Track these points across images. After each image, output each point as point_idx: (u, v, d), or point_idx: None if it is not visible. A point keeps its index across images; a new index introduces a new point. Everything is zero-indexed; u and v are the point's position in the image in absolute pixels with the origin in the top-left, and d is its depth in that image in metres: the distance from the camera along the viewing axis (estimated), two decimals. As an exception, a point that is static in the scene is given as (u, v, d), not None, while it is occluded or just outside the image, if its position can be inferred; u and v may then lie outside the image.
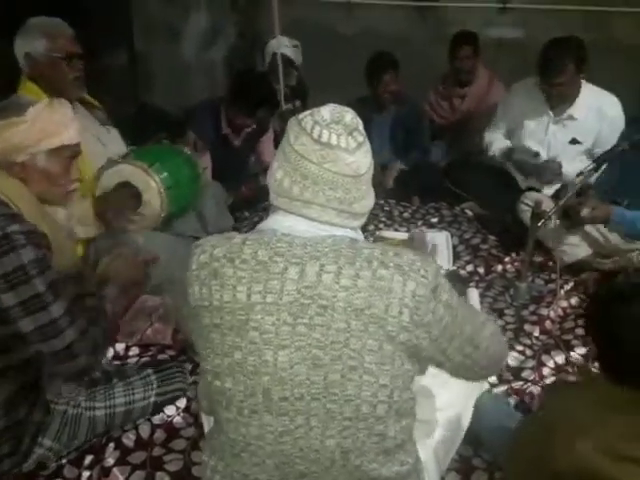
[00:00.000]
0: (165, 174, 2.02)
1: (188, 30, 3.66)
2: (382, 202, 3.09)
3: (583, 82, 2.48)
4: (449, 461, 1.36)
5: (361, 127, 1.00)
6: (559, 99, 2.49)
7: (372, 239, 2.68)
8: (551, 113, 2.55)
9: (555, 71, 2.37)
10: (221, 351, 0.96)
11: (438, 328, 0.95)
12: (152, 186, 1.97)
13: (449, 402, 1.34)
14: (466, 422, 1.37)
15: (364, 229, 2.80)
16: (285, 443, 0.96)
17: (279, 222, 1.00)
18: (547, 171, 2.52)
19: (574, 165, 2.43)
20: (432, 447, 1.27)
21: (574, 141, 2.52)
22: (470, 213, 2.95)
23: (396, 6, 3.75)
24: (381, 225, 2.88)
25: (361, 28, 3.83)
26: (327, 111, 0.99)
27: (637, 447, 1.03)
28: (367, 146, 1.00)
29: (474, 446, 1.54)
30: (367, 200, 1.02)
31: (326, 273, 0.92)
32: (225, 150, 2.73)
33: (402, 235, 2.71)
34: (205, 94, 3.23)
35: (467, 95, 3.30)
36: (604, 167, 2.18)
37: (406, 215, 3.00)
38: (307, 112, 1.00)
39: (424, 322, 0.93)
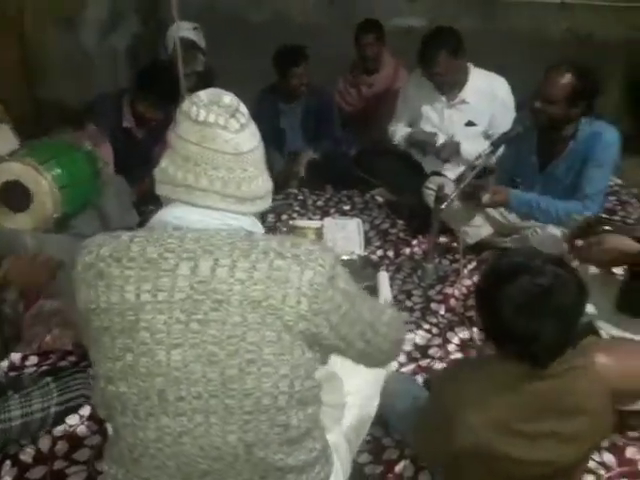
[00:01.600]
0: (59, 171, 1.92)
1: (86, 17, 3.46)
2: (296, 191, 3.11)
3: (472, 67, 2.61)
4: (360, 442, 1.39)
5: (243, 109, 1.00)
6: (445, 86, 2.62)
7: (285, 229, 2.68)
8: (443, 99, 2.68)
9: (429, 62, 2.53)
10: (112, 354, 0.92)
11: (337, 315, 0.96)
12: (43, 185, 1.86)
13: (358, 386, 1.36)
14: (375, 403, 1.41)
15: (279, 219, 2.83)
16: (185, 443, 0.94)
17: (169, 213, 0.97)
18: (445, 149, 2.64)
19: (473, 145, 2.55)
20: (342, 431, 1.29)
21: (470, 123, 2.67)
22: (380, 199, 3.02)
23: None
24: (295, 214, 2.90)
25: (270, 14, 3.78)
26: (205, 93, 0.98)
27: (525, 422, 1.10)
28: (252, 128, 1.00)
29: (384, 426, 1.59)
30: (256, 183, 1.00)
31: (220, 267, 0.90)
32: (128, 143, 2.62)
33: (315, 223, 2.72)
34: (106, 85, 3.07)
35: (374, 83, 3.35)
36: (502, 150, 2.30)
37: (319, 203, 3.03)
38: (187, 97, 0.99)
39: (323, 310, 0.94)
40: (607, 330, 1.62)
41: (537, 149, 2.23)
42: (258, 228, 1.04)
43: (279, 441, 0.97)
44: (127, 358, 0.91)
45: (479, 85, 2.63)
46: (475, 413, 1.10)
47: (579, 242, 1.76)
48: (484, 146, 2.33)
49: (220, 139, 0.94)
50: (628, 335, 1.55)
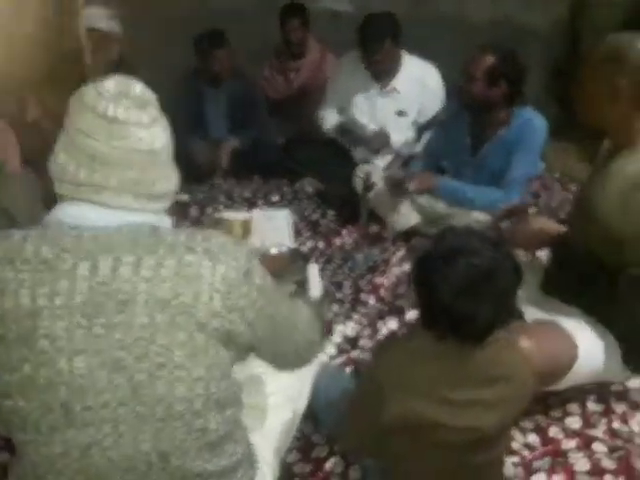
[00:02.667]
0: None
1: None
2: (220, 182, 3.06)
3: (404, 54, 2.65)
4: (289, 441, 1.39)
5: (154, 100, 0.96)
6: (382, 73, 2.65)
7: (210, 222, 2.64)
8: (376, 87, 2.71)
9: (374, 49, 2.54)
10: (8, 366, 0.88)
11: (253, 312, 0.96)
12: None
13: (282, 385, 1.35)
14: (303, 401, 1.41)
15: (202, 211, 2.78)
16: (93, 456, 0.91)
17: (66, 212, 0.93)
18: (375, 140, 2.67)
19: (403, 136, 2.60)
20: (267, 432, 1.28)
21: (401, 113, 2.70)
22: (309, 189, 3.04)
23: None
24: (220, 206, 2.86)
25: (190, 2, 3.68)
26: (112, 83, 0.93)
27: (452, 390, 1.14)
28: (163, 122, 0.97)
29: (314, 422, 1.61)
30: (168, 180, 0.98)
31: (123, 265, 0.87)
32: (37, 134, 2.49)
33: (243, 216, 2.70)
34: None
35: (300, 68, 3.35)
36: (428, 136, 2.36)
37: (247, 195, 3.01)
38: (89, 86, 0.93)
39: (238, 306, 0.93)
40: (531, 314, 1.70)
41: (469, 132, 2.31)
42: (165, 223, 1.00)
43: (197, 447, 0.95)
44: (25, 369, 0.87)
45: (411, 73, 2.68)
46: (404, 384, 1.14)
47: (504, 226, 1.83)
48: (412, 135, 2.39)
49: (132, 137, 0.90)
50: (552, 317, 1.62)
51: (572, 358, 1.50)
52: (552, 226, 1.68)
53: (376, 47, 2.53)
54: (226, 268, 0.92)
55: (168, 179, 0.98)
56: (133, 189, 0.92)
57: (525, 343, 1.41)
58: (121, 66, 3.08)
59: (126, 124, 0.90)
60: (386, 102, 2.72)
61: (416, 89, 2.67)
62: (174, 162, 1.00)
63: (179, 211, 2.78)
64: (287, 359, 1.15)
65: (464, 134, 2.32)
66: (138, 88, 0.94)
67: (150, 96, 0.96)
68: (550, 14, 3.92)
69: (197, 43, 2.96)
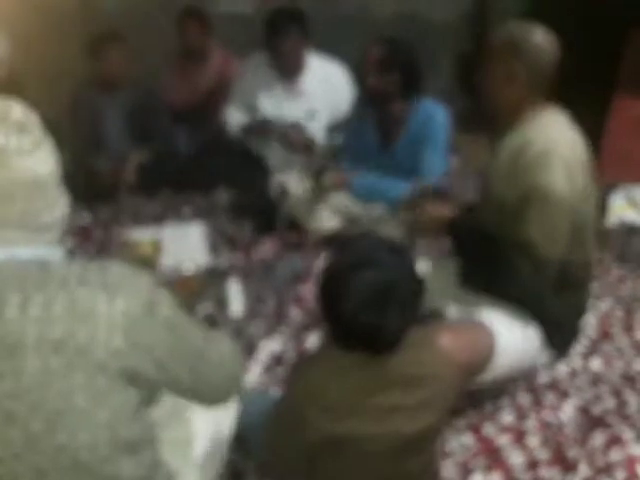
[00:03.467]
0: None
1: None
2: (126, 199, 2.93)
3: (311, 54, 2.65)
4: (217, 472, 1.34)
5: (36, 122, 0.89)
6: (289, 69, 2.61)
7: (116, 246, 2.52)
8: (283, 87, 2.68)
9: (281, 38, 2.49)
10: None
11: (160, 348, 0.91)
12: None
13: (207, 413, 1.29)
14: (228, 428, 1.37)
15: (107, 232, 2.65)
16: None
17: None
18: (291, 132, 2.61)
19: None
20: (193, 465, 1.24)
21: (310, 115, 2.67)
22: (223, 200, 2.96)
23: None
24: (127, 226, 2.71)
25: (79, 2, 3.51)
26: None
27: (370, 399, 1.13)
28: (48, 146, 0.90)
29: (244, 450, 1.55)
30: (57, 208, 0.92)
31: (9, 306, 0.80)
32: None
33: (152, 234, 2.59)
34: None
35: (204, 73, 3.28)
36: (337, 137, 2.37)
37: (156, 211, 2.89)
38: None
39: (142, 343, 0.88)
40: (452, 312, 1.73)
41: (376, 129, 2.34)
42: (56, 254, 0.94)
43: None
44: None
45: (317, 73, 2.67)
46: (320, 402, 1.12)
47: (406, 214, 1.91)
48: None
49: (14, 166, 0.84)
50: (471, 310, 1.67)
51: (490, 348, 1.55)
52: (441, 212, 1.78)
53: (283, 36, 2.49)
54: (126, 302, 0.86)
55: (57, 207, 0.92)
56: (19, 222, 0.86)
57: (443, 340, 1.44)
58: (9, 85, 2.90)
59: (5, 152, 0.83)
60: (293, 104, 2.69)
61: (324, 89, 2.66)
62: (62, 186, 0.94)
63: (81, 234, 2.64)
64: (205, 395, 1.10)
65: (372, 131, 2.35)
66: (17, 111, 0.88)
67: (31, 118, 0.89)
68: (456, 6, 4.08)
69: (90, 44, 2.80)
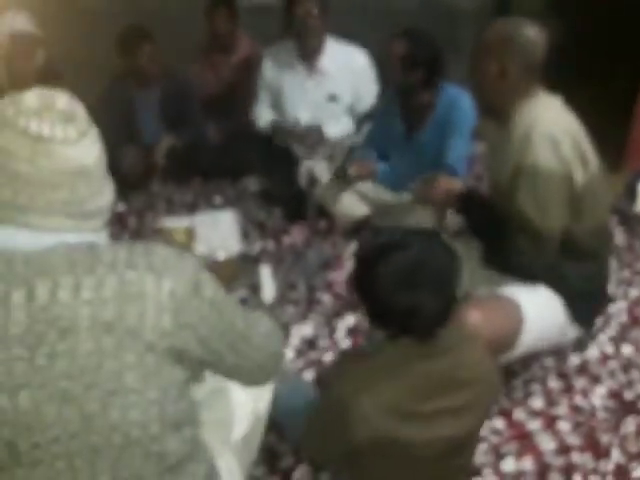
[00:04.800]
0: None
1: None
2: (158, 188, 2.95)
3: (329, 38, 2.63)
4: (255, 454, 1.36)
5: (81, 112, 0.89)
6: (308, 44, 2.60)
7: (151, 233, 2.55)
8: (304, 67, 2.67)
9: (302, 3, 2.48)
10: None
11: (205, 327, 0.91)
12: None
13: (245, 396, 1.32)
14: (265, 411, 1.38)
15: (141, 220, 2.68)
16: None
17: None
18: (308, 137, 2.62)
19: (337, 125, 2.56)
20: (232, 446, 1.26)
21: (332, 98, 2.66)
22: (253, 188, 2.96)
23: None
24: (160, 214, 2.75)
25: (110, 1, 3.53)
26: (33, 97, 0.85)
27: (420, 402, 1.13)
28: (93, 135, 0.90)
29: (278, 432, 1.57)
30: (102, 196, 0.92)
31: (62, 289, 0.82)
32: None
33: (185, 222, 2.61)
34: None
35: (232, 63, 3.27)
36: (367, 127, 2.34)
37: (188, 199, 2.91)
38: (7, 100, 0.85)
39: (188, 323, 0.89)
40: (479, 292, 1.73)
41: (402, 117, 2.31)
42: (102, 238, 0.95)
43: (157, 472, 0.91)
44: None
45: (337, 56, 2.65)
46: (369, 402, 1.12)
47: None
48: (349, 124, 2.34)
49: (59, 156, 0.84)
50: (496, 289, 1.67)
51: (519, 322, 1.57)
52: (454, 184, 1.81)
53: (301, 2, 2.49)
54: (173, 283, 0.87)
55: (102, 195, 0.92)
56: (63, 209, 0.86)
57: (472, 317, 1.47)
58: (48, 73, 2.93)
59: (52, 142, 0.83)
60: (316, 85, 2.68)
61: (345, 71, 2.65)
62: (108, 173, 0.94)
63: (116, 223, 2.67)
64: (247, 375, 1.11)
65: (398, 121, 2.33)
66: (63, 100, 0.87)
67: (77, 108, 0.89)
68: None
69: (122, 40, 2.82)
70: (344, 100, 2.68)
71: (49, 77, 2.87)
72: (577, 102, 1.64)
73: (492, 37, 1.60)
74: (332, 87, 2.66)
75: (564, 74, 3.06)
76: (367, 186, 2.40)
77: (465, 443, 1.21)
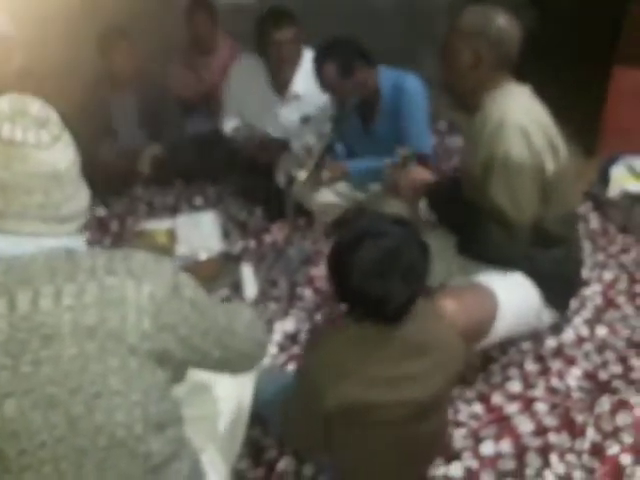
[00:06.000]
0: None
1: None
2: (140, 191, 2.95)
3: (305, 51, 2.52)
4: (239, 448, 1.37)
5: (54, 118, 0.90)
6: (282, 69, 2.49)
7: (132, 236, 2.54)
8: (276, 96, 2.57)
9: (278, 25, 2.37)
10: None
11: (186, 327, 0.93)
12: None
13: (228, 389, 1.34)
14: (248, 404, 1.39)
15: (123, 224, 2.67)
16: None
17: None
18: (272, 147, 2.58)
19: (307, 140, 2.45)
20: (216, 441, 1.27)
21: (304, 120, 2.57)
22: (234, 188, 2.95)
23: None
24: (142, 217, 2.75)
25: (86, 1, 3.50)
26: (6, 102, 0.86)
27: (385, 369, 1.16)
28: (66, 139, 0.91)
29: (261, 425, 1.58)
30: (77, 200, 0.93)
31: (43, 297, 0.83)
32: None
33: (166, 224, 2.61)
34: None
35: (211, 64, 3.26)
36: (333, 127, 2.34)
37: (169, 201, 2.90)
38: None
39: (169, 325, 0.90)
40: (455, 280, 1.74)
41: (355, 115, 2.29)
42: (80, 244, 0.96)
43: (142, 472, 0.92)
44: None
45: (309, 74, 2.44)
46: (336, 370, 1.15)
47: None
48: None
49: (32, 160, 0.85)
50: (472, 276, 1.69)
51: (493, 308, 1.58)
52: (427, 175, 1.82)
53: (280, 23, 2.37)
54: (152, 286, 0.89)
55: (77, 199, 0.93)
56: (38, 214, 0.87)
57: (447, 304, 1.49)
58: (26, 76, 2.90)
59: (25, 146, 0.84)
60: (288, 110, 2.59)
61: (314, 87, 2.40)
62: (83, 178, 0.95)
63: (98, 227, 2.66)
64: (235, 364, 1.13)
65: (353, 116, 2.30)
66: (35, 106, 0.88)
67: (49, 113, 0.90)
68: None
69: (97, 41, 2.78)
70: (316, 118, 2.55)
71: (28, 80, 2.86)
72: (552, 89, 1.65)
73: (466, 26, 1.59)
74: (305, 109, 2.55)
75: (539, 61, 3.10)
76: (341, 184, 2.40)
77: (432, 407, 1.23)
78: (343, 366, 1.15)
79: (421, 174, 1.82)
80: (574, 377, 1.80)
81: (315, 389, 1.15)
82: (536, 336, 1.90)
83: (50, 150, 0.87)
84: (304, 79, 2.52)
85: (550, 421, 1.65)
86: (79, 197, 0.94)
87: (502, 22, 1.55)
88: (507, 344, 1.83)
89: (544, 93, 1.64)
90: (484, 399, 1.72)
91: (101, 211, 2.78)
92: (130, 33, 2.87)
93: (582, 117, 2.79)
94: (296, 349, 1.91)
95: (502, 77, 1.59)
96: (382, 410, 1.16)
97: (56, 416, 0.84)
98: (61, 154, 0.89)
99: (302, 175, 2.14)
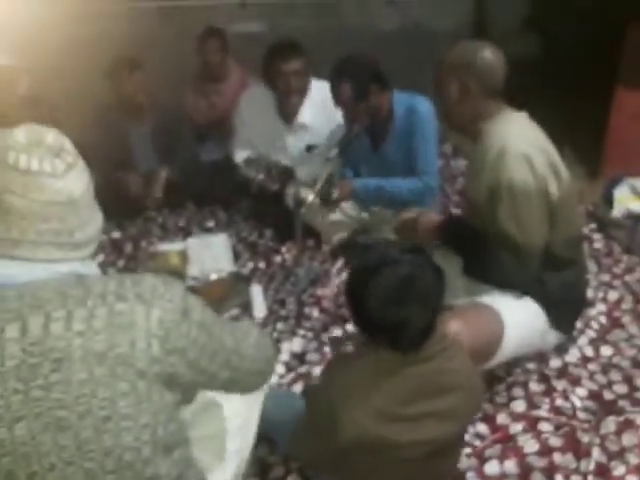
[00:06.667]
0: None
1: None
2: (154, 214, 2.99)
3: (312, 82, 2.55)
4: (245, 467, 1.36)
5: (68, 146, 0.93)
6: (290, 97, 2.50)
7: (145, 257, 2.58)
8: (284, 125, 2.61)
9: (284, 57, 2.39)
10: None
11: (194, 350, 0.94)
12: None
13: (236, 407, 1.33)
14: (255, 423, 1.39)
15: (136, 246, 2.71)
16: None
17: None
18: (280, 176, 2.60)
19: (310, 169, 2.49)
20: (224, 460, 1.26)
21: (309, 148, 2.58)
22: (244, 211, 2.98)
23: (134, 7, 3.61)
24: (155, 239, 2.78)
25: (99, 31, 3.60)
26: (22, 133, 0.89)
27: (406, 406, 1.16)
28: (80, 166, 0.93)
29: (268, 443, 1.58)
30: (91, 226, 0.95)
31: (54, 322, 0.84)
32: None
33: (178, 246, 2.65)
34: None
35: (223, 91, 3.32)
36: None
37: (181, 224, 2.94)
38: None
39: (177, 348, 0.91)
40: (460, 301, 1.75)
41: (366, 132, 2.30)
42: (93, 270, 0.98)
43: None
44: None
45: (316, 104, 2.54)
46: (357, 406, 1.14)
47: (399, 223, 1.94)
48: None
49: (48, 189, 0.87)
50: (478, 298, 1.69)
51: (499, 330, 1.57)
52: (435, 219, 1.83)
53: (288, 55, 2.40)
54: (161, 311, 0.89)
55: (90, 225, 0.95)
56: (53, 240, 0.89)
57: (452, 324, 1.48)
58: (36, 103, 2.97)
59: (41, 176, 0.86)
60: (294, 139, 2.63)
61: (323, 119, 2.52)
62: (96, 204, 0.97)
63: (112, 249, 2.70)
64: (243, 384, 1.14)
65: (363, 136, 2.31)
66: (50, 136, 0.91)
67: (63, 142, 0.92)
68: (456, 16, 4.07)
69: (111, 71, 2.83)
70: (322, 147, 2.54)
71: (37, 108, 2.92)
72: (555, 112, 1.67)
73: (453, 59, 1.64)
74: (311, 139, 2.56)
75: (541, 84, 3.12)
76: (348, 205, 2.42)
77: (449, 446, 1.23)
78: (363, 398, 1.14)
79: (430, 220, 1.81)
80: (579, 397, 1.78)
81: (332, 415, 1.15)
82: (541, 356, 1.89)
83: (65, 178, 0.89)
84: (311, 109, 2.56)
85: (555, 441, 1.63)
86: (93, 222, 0.96)
87: (487, 55, 1.59)
88: (512, 364, 1.82)
89: (547, 116, 1.66)
90: (489, 419, 1.70)
91: (115, 233, 2.82)
92: (144, 61, 2.94)
93: (585, 139, 2.80)
94: (303, 369, 1.91)
95: (496, 105, 1.62)
96: (400, 448, 1.16)
97: (66, 439, 0.85)
98: (76, 181, 0.91)
99: (310, 197, 2.16)
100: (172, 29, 3.67)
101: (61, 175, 0.89)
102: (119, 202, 2.79)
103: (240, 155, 2.76)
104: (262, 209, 2.86)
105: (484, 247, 1.61)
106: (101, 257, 2.58)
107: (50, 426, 0.84)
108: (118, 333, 0.86)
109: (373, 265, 1.16)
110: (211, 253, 2.59)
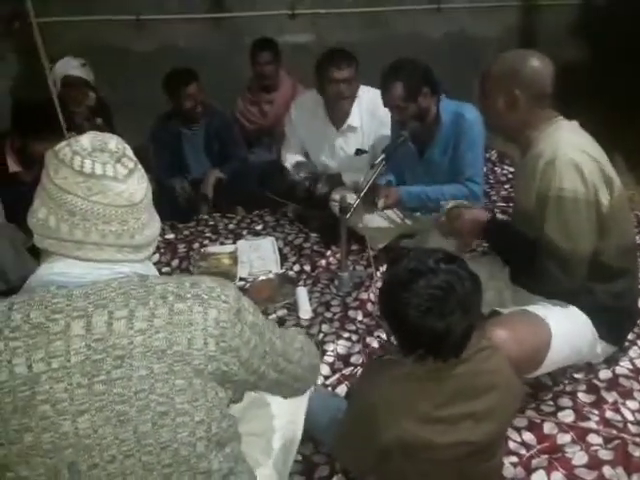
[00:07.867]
0: None
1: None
2: (206, 217, 3.04)
3: (361, 88, 2.57)
4: (291, 464, 1.35)
5: (130, 152, 0.94)
6: (340, 103, 2.52)
7: (198, 257, 2.61)
8: (334, 128, 2.64)
9: (338, 65, 2.42)
10: (5, 439, 0.83)
11: (247, 350, 0.94)
12: None
13: (283, 406, 1.32)
14: (301, 422, 1.37)
15: (190, 247, 2.75)
16: None
17: (50, 270, 0.90)
18: (328, 181, 2.64)
19: (358, 175, 2.48)
20: (272, 458, 1.25)
21: (359, 152, 2.60)
22: (291, 215, 3.00)
23: (189, 19, 3.68)
24: (206, 241, 2.82)
25: (157, 44, 3.69)
26: (87, 140, 0.91)
27: (443, 408, 1.12)
28: (140, 172, 0.94)
29: (313, 443, 1.56)
30: (150, 229, 0.96)
31: (117, 320, 0.85)
32: (16, 188, 2.45)
33: (229, 248, 2.67)
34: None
35: (274, 101, 3.35)
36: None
37: (231, 226, 2.97)
38: (64, 143, 0.91)
39: (232, 347, 0.91)
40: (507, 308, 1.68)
41: (412, 138, 2.25)
42: (152, 270, 0.99)
43: None
44: (26, 439, 0.83)
45: (365, 109, 2.57)
46: (396, 405, 1.12)
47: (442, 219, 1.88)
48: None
49: (111, 192, 0.88)
50: (524, 306, 1.62)
51: (547, 339, 1.51)
52: (481, 215, 1.76)
53: (340, 63, 2.42)
54: (217, 311, 0.90)
55: (149, 228, 0.96)
56: (115, 242, 0.90)
57: (499, 333, 1.42)
58: (98, 110, 3.08)
59: (104, 179, 0.88)
60: (344, 142, 2.65)
61: (372, 124, 2.57)
62: (154, 208, 0.98)
63: (167, 249, 2.75)
64: (288, 387, 1.13)
65: (409, 142, 2.27)
66: (112, 142, 0.92)
67: (125, 148, 0.94)
68: (501, 23, 3.99)
69: (166, 83, 2.90)
70: (371, 151, 2.60)
71: (101, 115, 3.04)
72: (606, 120, 1.60)
73: (499, 69, 1.57)
74: (360, 142, 2.60)
75: (591, 92, 3.01)
76: (391, 211, 2.39)
77: (488, 448, 1.18)
78: (402, 400, 1.12)
79: (476, 215, 1.76)
80: (630, 410, 1.68)
81: (373, 416, 1.12)
82: (589, 366, 1.80)
83: (126, 182, 0.90)
84: (360, 113, 2.58)
85: (605, 454, 1.55)
86: (151, 225, 0.96)
87: (534, 64, 1.53)
88: (559, 372, 1.74)
89: (597, 123, 1.60)
90: (535, 428, 1.63)
91: (170, 235, 2.87)
92: (200, 71, 2.99)
93: (636, 147, 2.68)
94: (347, 370, 1.88)
95: (545, 113, 1.56)
96: (440, 450, 1.12)
97: (125, 433, 0.85)
98: (136, 185, 0.92)
99: (355, 203, 2.14)
100: (224, 39, 3.73)
101: (123, 179, 0.90)
102: (172, 208, 2.86)
103: (290, 160, 2.78)
104: (308, 213, 2.86)
105: (528, 252, 1.55)
106: (156, 257, 2.63)
107: (111, 420, 0.85)
108: (177, 331, 0.87)
109: (407, 275, 1.11)
110: (259, 255, 2.61)
